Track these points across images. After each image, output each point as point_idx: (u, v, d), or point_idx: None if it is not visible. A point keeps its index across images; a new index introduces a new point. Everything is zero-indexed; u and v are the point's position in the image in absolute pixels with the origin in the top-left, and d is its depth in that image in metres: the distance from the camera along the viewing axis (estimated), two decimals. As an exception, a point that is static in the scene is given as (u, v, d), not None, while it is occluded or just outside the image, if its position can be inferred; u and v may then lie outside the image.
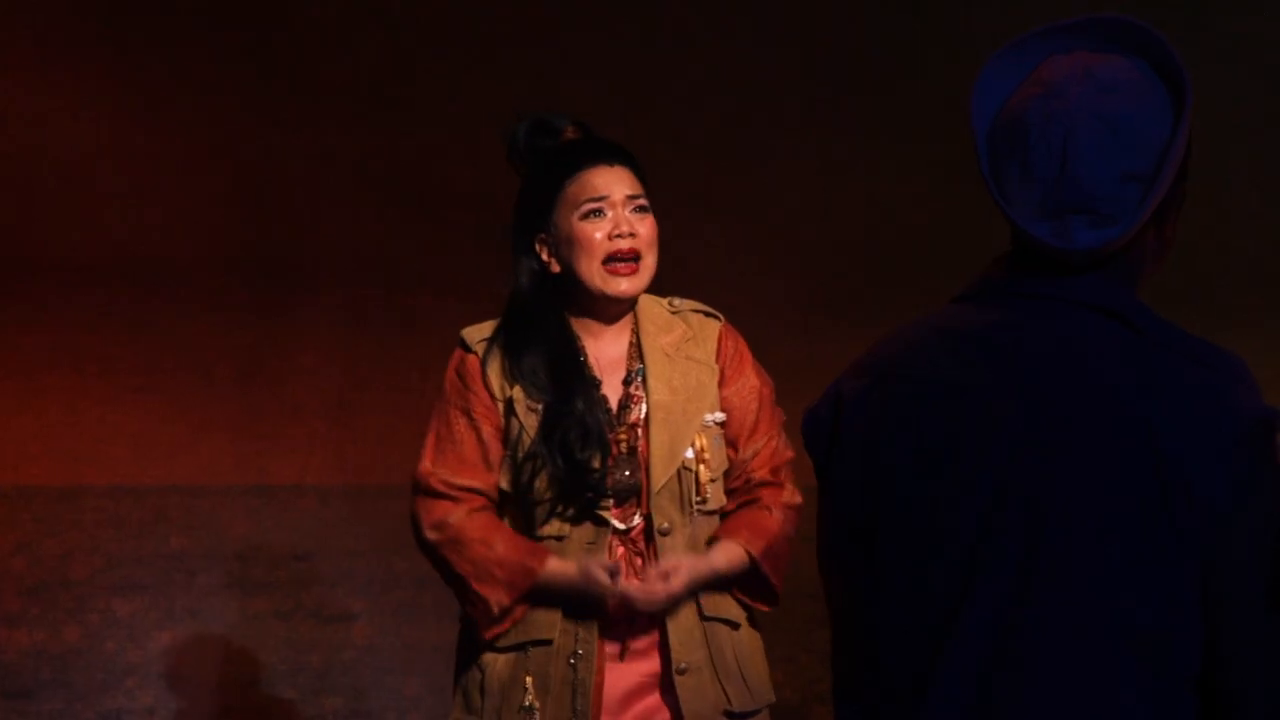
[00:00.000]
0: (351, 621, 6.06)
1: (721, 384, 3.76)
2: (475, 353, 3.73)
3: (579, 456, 3.62)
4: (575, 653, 3.63)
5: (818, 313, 5.88)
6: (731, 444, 3.75)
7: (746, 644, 3.75)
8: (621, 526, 3.66)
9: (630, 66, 6.19)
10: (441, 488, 3.67)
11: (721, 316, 3.82)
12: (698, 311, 3.81)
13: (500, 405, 3.70)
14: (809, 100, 6.21)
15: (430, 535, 3.67)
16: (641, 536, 3.67)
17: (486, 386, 3.71)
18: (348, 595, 6.10)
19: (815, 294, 6.03)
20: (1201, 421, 2.12)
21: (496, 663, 3.68)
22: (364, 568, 6.06)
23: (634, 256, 3.69)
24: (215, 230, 6.17)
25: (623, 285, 3.69)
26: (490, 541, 3.64)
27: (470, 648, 3.73)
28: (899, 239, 6.11)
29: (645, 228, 3.71)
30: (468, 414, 3.71)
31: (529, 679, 3.64)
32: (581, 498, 3.63)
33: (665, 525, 3.65)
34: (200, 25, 6.19)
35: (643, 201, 3.72)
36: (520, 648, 3.67)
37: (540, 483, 3.64)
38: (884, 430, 2.24)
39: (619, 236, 3.68)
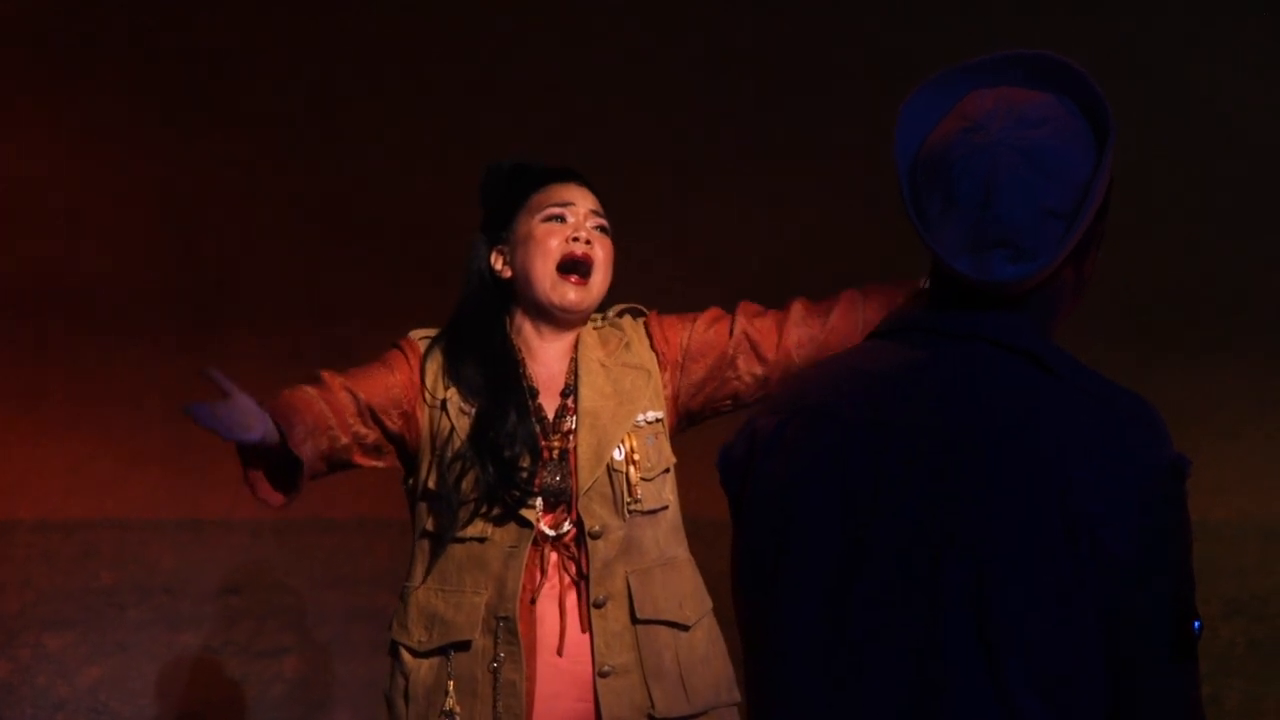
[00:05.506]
0: (282, 656, 6.03)
1: (674, 359, 3.78)
2: (419, 345, 3.80)
3: (507, 455, 3.63)
4: (497, 656, 3.62)
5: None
6: (754, 350, 3.76)
7: (699, 648, 3.73)
8: (551, 533, 3.67)
9: (560, 97, 6.20)
10: (324, 374, 3.73)
11: (646, 310, 3.87)
12: (626, 313, 3.88)
13: (428, 396, 3.73)
14: (740, 130, 6.22)
15: None
16: (573, 541, 3.68)
17: (422, 375, 3.75)
18: (278, 630, 6.06)
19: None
20: (1110, 468, 2.10)
21: (420, 669, 3.69)
22: (294, 602, 6.02)
23: (586, 267, 3.73)
24: (145, 262, 6.14)
25: (570, 296, 3.74)
26: (280, 399, 3.66)
27: (396, 659, 3.74)
28: (830, 270, 6.12)
29: (603, 247, 3.78)
30: (385, 365, 3.77)
31: (451, 683, 3.64)
32: (507, 497, 3.64)
33: (596, 528, 3.66)
34: (131, 58, 6.16)
35: (604, 222, 3.81)
36: (442, 652, 3.67)
37: (466, 483, 3.68)
38: (796, 467, 2.23)
39: (576, 241, 3.74)
